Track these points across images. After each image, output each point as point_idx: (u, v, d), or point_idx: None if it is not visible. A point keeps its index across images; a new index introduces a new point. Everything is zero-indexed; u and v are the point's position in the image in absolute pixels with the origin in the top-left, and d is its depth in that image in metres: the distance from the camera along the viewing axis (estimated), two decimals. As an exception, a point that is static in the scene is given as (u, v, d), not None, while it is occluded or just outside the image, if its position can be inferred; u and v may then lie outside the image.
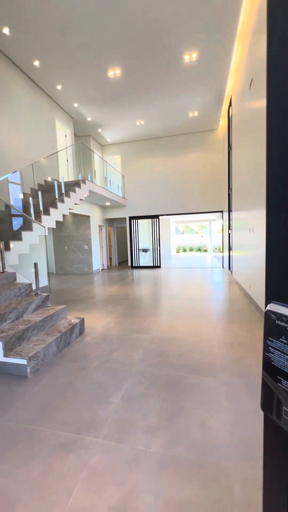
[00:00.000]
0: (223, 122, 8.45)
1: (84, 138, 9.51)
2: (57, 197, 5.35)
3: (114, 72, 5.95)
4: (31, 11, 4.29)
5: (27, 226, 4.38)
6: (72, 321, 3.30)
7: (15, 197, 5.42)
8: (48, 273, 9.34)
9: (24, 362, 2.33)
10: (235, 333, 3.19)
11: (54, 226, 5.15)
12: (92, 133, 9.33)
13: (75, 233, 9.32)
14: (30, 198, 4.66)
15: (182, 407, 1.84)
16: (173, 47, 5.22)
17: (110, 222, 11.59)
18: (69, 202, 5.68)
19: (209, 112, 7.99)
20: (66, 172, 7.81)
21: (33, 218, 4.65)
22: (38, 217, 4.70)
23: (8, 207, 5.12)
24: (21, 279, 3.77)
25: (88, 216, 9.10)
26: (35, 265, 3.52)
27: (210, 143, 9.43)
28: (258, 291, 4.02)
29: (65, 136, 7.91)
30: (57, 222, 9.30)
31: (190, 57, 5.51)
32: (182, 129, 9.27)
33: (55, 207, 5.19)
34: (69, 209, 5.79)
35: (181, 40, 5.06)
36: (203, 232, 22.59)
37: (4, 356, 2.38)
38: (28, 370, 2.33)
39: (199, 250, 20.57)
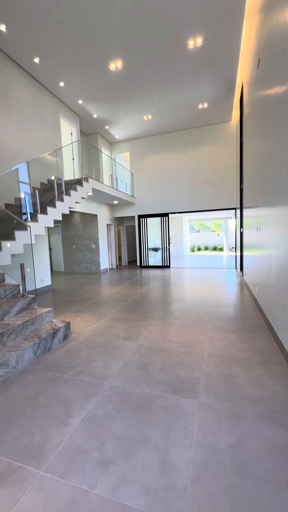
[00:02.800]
0: (235, 113, 7.92)
1: (92, 136, 9.41)
2: (56, 196, 5.26)
3: (116, 65, 5.72)
4: (26, 7, 4.18)
5: (21, 226, 4.30)
6: (57, 325, 3.14)
7: (15, 196, 5.40)
8: (52, 272, 9.42)
9: (-10, 370, 2.19)
10: (232, 344, 2.84)
11: (52, 225, 5.05)
12: (100, 130, 9.20)
13: (82, 232, 9.28)
14: (26, 197, 4.60)
15: (147, 436, 1.58)
16: (176, 33, 4.88)
17: (120, 220, 11.44)
18: (69, 201, 5.57)
19: (220, 102, 7.51)
20: (71, 171, 7.74)
21: (33, 216, 4.58)
22: (34, 217, 4.62)
23: (7, 205, 5.12)
24: (15, 280, 3.69)
25: (96, 215, 9.01)
26: (22, 266, 3.40)
27: (223, 136, 8.91)
28: (264, 295, 3.61)
29: (71, 134, 7.84)
30: (65, 221, 9.35)
31: (195, 42, 5.13)
32: (192, 123, 8.84)
33: (54, 206, 5.09)
34: (70, 207, 5.68)
35: (184, 25, 4.71)
36: (219, 230, 21.80)
37: (-28, 363, 2.26)
38: (-5, 379, 2.19)
39: (215, 249, 19.86)
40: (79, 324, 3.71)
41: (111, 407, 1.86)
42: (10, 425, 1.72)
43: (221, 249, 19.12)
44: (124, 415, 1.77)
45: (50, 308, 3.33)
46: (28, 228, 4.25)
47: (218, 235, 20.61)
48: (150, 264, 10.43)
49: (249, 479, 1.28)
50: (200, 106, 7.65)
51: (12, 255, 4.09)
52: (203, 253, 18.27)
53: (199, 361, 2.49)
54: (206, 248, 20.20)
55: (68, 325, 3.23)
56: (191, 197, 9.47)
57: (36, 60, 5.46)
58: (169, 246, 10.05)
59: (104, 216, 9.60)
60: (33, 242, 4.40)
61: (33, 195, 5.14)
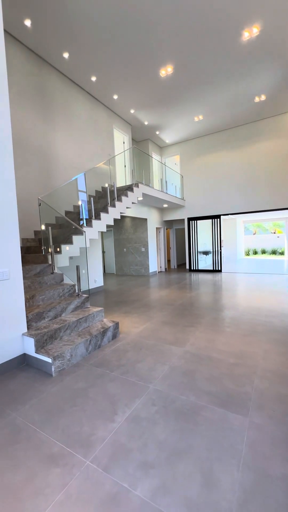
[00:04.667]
0: (299, 101, 7.09)
1: (143, 142, 9.71)
2: (108, 202, 5.60)
3: (166, 71, 5.80)
4: (83, 33, 4.62)
5: (77, 231, 4.71)
6: (107, 324, 3.32)
7: (74, 203, 5.96)
8: (104, 274, 9.99)
9: (49, 360, 2.45)
10: (291, 361, 2.53)
11: (105, 230, 5.38)
12: (151, 136, 9.43)
13: (133, 236, 9.62)
14: (83, 205, 5.03)
15: (189, 446, 1.53)
16: (230, 26, 4.67)
17: (169, 224, 11.45)
18: (120, 206, 5.86)
19: (280, 92, 6.84)
20: (123, 178, 8.13)
21: (88, 222, 4.99)
22: (89, 222, 5.01)
23: (67, 212, 5.69)
24: (70, 280, 4.07)
25: (146, 219, 9.23)
26: (77, 267, 3.72)
27: (283, 128, 8.08)
28: None
29: (123, 142, 8.25)
30: (117, 225, 9.86)
31: (250, 33, 4.81)
32: (247, 118, 8.28)
33: (106, 211, 5.43)
34: (121, 212, 5.97)
35: (239, 16, 4.47)
36: (281, 232, 19.71)
37: (35, 352, 2.57)
38: (53, 369, 2.44)
39: (274, 253, 18.03)
40: (127, 325, 3.84)
41: (155, 410, 1.86)
42: (64, 413, 1.89)
43: (282, 253, 17.25)
44: (168, 420, 1.75)
45: (101, 308, 3.54)
46: (83, 233, 4.63)
47: (278, 237, 18.65)
48: (200, 268, 10.12)
49: (308, 519, 1.11)
50: (257, 99, 7.11)
51: (70, 258, 4.51)
52: (260, 257, 16.77)
53: (251, 375, 2.29)
54: (263, 252, 18.51)
55: (117, 325, 3.39)
56: (246, 196, 8.84)
57: (93, 78, 5.95)
58: (220, 249, 9.58)
59: (153, 220, 9.76)
60: (88, 245, 4.77)
61: (88, 202, 5.58)
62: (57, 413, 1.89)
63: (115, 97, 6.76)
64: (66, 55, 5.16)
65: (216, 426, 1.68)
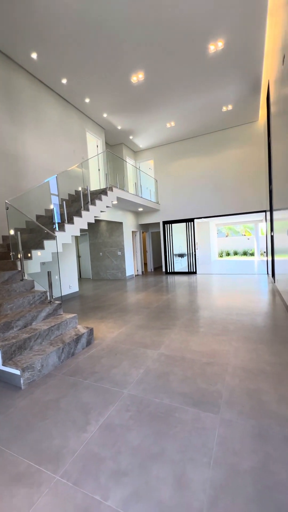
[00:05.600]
0: (262, 112, 7.60)
1: (117, 146, 9.73)
2: (82, 206, 5.50)
3: (137, 77, 5.89)
4: (54, 34, 4.54)
5: (49, 235, 4.55)
6: (80, 331, 3.23)
7: (45, 207, 5.77)
8: (80, 279, 9.77)
9: (18, 372, 2.32)
10: (260, 357, 2.66)
11: (78, 234, 5.27)
12: (124, 140, 9.48)
13: (109, 240, 9.53)
14: (55, 208, 4.89)
15: (163, 450, 1.53)
16: (196, 39, 4.89)
17: (145, 227, 11.54)
18: (94, 210, 5.78)
19: (245, 103, 7.28)
20: (97, 181, 8.06)
21: (61, 226, 4.84)
22: (61, 226, 4.87)
23: (38, 216, 5.48)
24: (41, 287, 3.91)
25: (121, 223, 9.21)
26: (49, 273, 3.59)
27: (249, 136, 8.59)
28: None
29: (97, 146, 8.20)
30: (92, 229, 9.71)
31: (216, 46, 5.08)
32: (216, 126, 8.68)
33: (80, 215, 5.33)
34: (95, 216, 5.89)
35: (204, 30, 4.70)
36: (250, 234, 20.82)
37: (2, 365, 2.42)
38: (22, 381, 2.31)
39: (245, 254, 18.98)
40: (102, 330, 3.77)
41: (129, 416, 1.84)
42: (33, 427, 1.79)
43: (252, 254, 18.20)
44: (141, 425, 1.74)
45: (75, 314, 3.44)
46: (55, 237, 4.49)
47: (248, 239, 19.68)
48: (176, 270, 10.31)
49: (273, 509, 1.16)
50: (224, 108, 7.49)
51: (42, 263, 4.34)
52: (232, 258, 17.54)
53: (222, 373, 2.37)
54: (235, 253, 19.40)
55: (91, 331, 3.31)
56: (218, 201, 9.23)
57: (64, 81, 5.86)
58: (195, 251, 9.85)
59: (129, 224, 9.78)
60: (60, 250, 4.63)
61: (61, 206, 5.44)
62: (25, 428, 1.79)
63: (87, 100, 6.70)
64: (34, 55, 5.02)
65: (189, 426, 1.71)
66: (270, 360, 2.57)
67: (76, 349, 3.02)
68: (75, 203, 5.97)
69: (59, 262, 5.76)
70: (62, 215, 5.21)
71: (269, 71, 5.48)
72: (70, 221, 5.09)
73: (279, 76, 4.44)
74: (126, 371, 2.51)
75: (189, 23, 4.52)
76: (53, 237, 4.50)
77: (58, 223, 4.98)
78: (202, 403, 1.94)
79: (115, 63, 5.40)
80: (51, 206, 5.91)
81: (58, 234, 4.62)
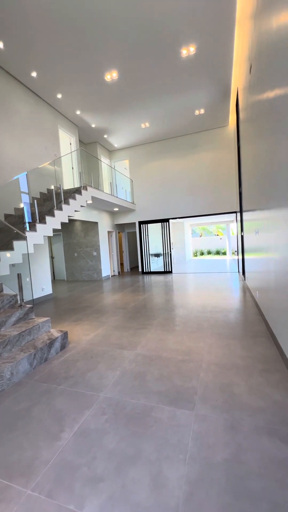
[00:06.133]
0: (232, 118, 7.96)
1: (91, 145, 9.55)
2: (55, 205, 5.30)
3: (111, 75, 5.83)
4: (23, 22, 4.31)
5: (20, 236, 4.32)
6: (54, 335, 3.11)
7: (15, 206, 5.47)
8: (54, 281, 9.45)
9: (-16, 383, 2.16)
10: (232, 352, 2.77)
11: (51, 234, 5.08)
12: (99, 139, 9.33)
13: (84, 240, 9.32)
14: (25, 207, 4.65)
15: (139, 451, 1.52)
16: (169, 42, 4.97)
17: (121, 227, 11.48)
18: (68, 210, 5.61)
19: (216, 108, 7.57)
20: (71, 180, 7.83)
21: (32, 226, 4.61)
22: (33, 226, 4.65)
23: (7, 216, 5.18)
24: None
25: (96, 223, 9.06)
26: (19, 276, 3.40)
27: (221, 140, 8.95)
28: (265, 299, 3.54)
29: (70, 144, 7.97)
30: (66, 229, 9.42)
31: (188, 51, 5.21)
32: (189, 129, 8.91)
33: (52, 215, 5.13)
34: (69, 216, 5.71)
35: (176, 34, 4.79)
36: (222, 234, 21.70)
37: None
38: (-11, 392, 2.16)
39: (218, 253, 19.74)
40: (78, 333, 3.67)
41: (105, 419, 1.81)
42: (1, 441, 1.68)
43: (224, 253, 18.99)
44: (118, 428, 1.72)
45: (47, 318, 3.31)
46: (26, 238, 4.27)
47: (221, 239, 20.51)
48: (152, 270, 10.39)
49: (245, 498, 1.21)
50: (197, 112, 7.72)
51: (12, 265, 4.10)
52: (206, 257, 18.15)
53: (197, 369, 2.43)
54: (209, 252, 20.09)
55: (65, 334, 3.20)
56: (191, 202, 9.48)
57: (34, 74, 5.60)
58: (170, 251, 10.02)
59: (104, 224, 9.65)
60: (31, 251, 4.42)
61: (32, 205, 5.19)
62: (-7, 442, 1.67)
63: (59, 96, 6.48)
64: (0, 44, 4.73)
65: (165, 425, 1.72)
66: (241, 354, 2.69)
67: (50, 354, 2.90)
68: (48, 202, 5.75)
69: (31, 264, 5.49)
70: (33, 214, 4.98)
71: (238, 79, 5.75)
72: (42, 220, 4.89)
73: (246, 84, 4.68)
74: (102, 373, 2.46)
75: (162, 25, 4.57)
76: (24, 238, 4.28)
77: (29, 222, 4.75)
78: (178, 400, 1.97)
79: (88, 60, 5.29)
80: (21, 205, 5.62)
81: (29, 234, 4.41)
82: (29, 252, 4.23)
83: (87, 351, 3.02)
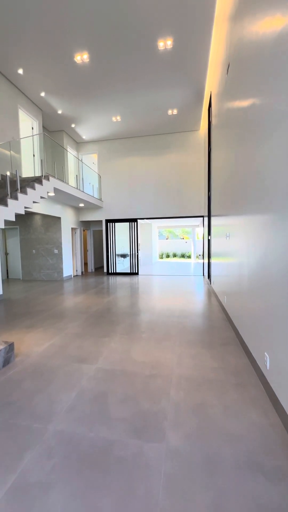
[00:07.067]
0: (204, 123, 8.03)
1: (57, 133, 8.81)
2: (8, 193, 4.60)
3: (82, 57, 5.34)
4: None
5: None
6: (-4, 347, 2.54)
7: None
8: (7, 280, 8.45)
9: None
10: (203, 363, 2.55)
11: (2, 226, 4.37)
12: (65, 128, 8.65)
13: (44, 236, 8.51)
14: None
15: (96, 510, 1.15)
16: (146, 30, 4.69)
17: (86, 225, 10.86)
18: (25, 200, 4.94)
19: (189, 110, 7.55)
20: (32, 168, 7.05)
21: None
22: (-22, 215, 3.93)
23: None
24: None
25: (59, 218, 8.34)
26: None
27: (191, 144, 8.99)
28: (234, 305, 3.44)
29: (32, 128, 7.18)
30: (24, 223, 8.49)
31: (165, 44, 5.00)
32: (161, 129, 8.78)
33: (5, 204, 4.44)
34: (26, 207, 5.04)
35: (153, 23, 4.53)
36: (188, 238, 22.27)
37: None
38: None
39: (183, 256, 20.13)
40: (28, 343, 3.12)
41: (51, 465, 1.39)
42: None
43: (189, 257, 19.44)
44: (68, 477, 1.32)
45: (-11, 326, 2.71)
46: None
47: (186, 242, 20.98)
48: (118, 271, 9.99)
49: None
50: (170, 112, 7.60)
51: None
52: (172, 260, 18.35)
53: (166, 386, 2.14)
54: (174, 255, 20.38)
55: (10, 346, 2.65)
56: (160, 203, 9.35)
57: (-11, 39, 4.82)
58: (137, 252, 9.74)
59: (68, 220, 8.96)
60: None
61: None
62: None
63: (20, 71, 5.74)
64: None
65: (130, 467, 1.38)
66: (212, 366, 2.49)
67: (-13, 372, 2.34)
68: (0, 189, 4.99)
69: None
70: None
71: (211, 83, 5.73)
72: (-9, 209, 4.17)
73: (220, 89, 4.63)
74: (53, 396, 2.02)
75: (139, 11, 4.27)
76: None
77: (-27, 210, 4.01)
78: (145, 430, 1.65)
79: (56, 34, 4.73)
80: None
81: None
82: None
83: (37, 367, 2.52)
